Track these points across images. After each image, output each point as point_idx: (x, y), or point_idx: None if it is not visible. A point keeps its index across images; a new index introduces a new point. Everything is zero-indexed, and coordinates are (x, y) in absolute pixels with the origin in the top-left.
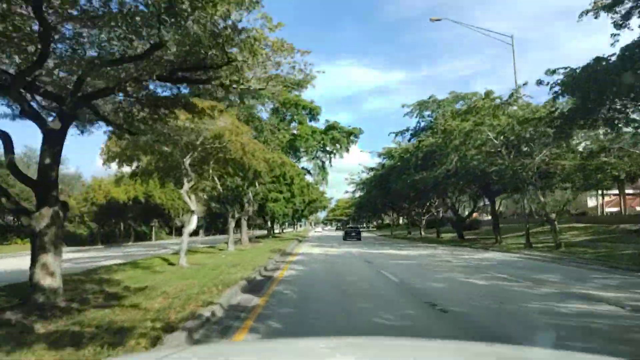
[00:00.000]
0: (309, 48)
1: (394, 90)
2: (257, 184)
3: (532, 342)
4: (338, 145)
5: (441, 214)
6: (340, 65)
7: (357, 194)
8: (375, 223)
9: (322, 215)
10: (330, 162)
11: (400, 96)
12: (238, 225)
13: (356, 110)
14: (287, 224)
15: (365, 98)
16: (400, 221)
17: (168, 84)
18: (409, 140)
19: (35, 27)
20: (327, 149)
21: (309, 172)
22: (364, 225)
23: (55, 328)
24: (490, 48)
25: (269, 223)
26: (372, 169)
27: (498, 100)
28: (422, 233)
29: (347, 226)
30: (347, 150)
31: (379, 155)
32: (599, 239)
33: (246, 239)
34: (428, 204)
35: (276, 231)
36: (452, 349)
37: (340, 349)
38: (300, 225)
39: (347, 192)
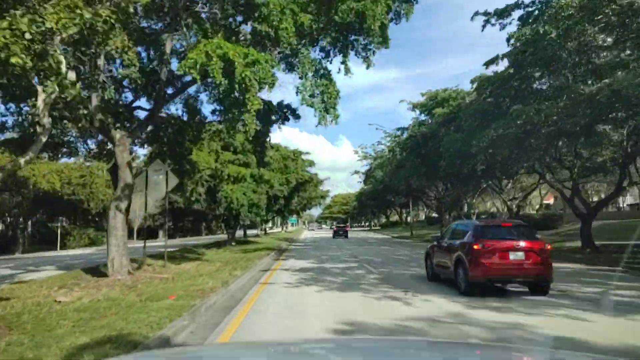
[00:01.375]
0: None
1: (388, 89)
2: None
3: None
4: (366, 22)
5: (514, 205)
6: (334, 64)
7: (363, 185)
8: (376, 221)
9: (316, 213)
10: (345, 67)
11: (394, 94)
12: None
13: (351, 108)
14: (272, 222)
15: (361, 96)
16: (404, 218)
17: None
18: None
19: None
20: (332, 34)
21: (292, 112)
22: (368, 224)
23: None
24: (484, 47)
25: (235, 221)
26: (402, 129)
27: None
28: None
29: (337, 225)
30: (385, 40)
31: (413, 108)
32: None
33: (121, 263)
34: (482, 186)
35: (257, 232)
36: (449, 349)
37: (334, 351)
38: (292, 225)
39: (356, 172)
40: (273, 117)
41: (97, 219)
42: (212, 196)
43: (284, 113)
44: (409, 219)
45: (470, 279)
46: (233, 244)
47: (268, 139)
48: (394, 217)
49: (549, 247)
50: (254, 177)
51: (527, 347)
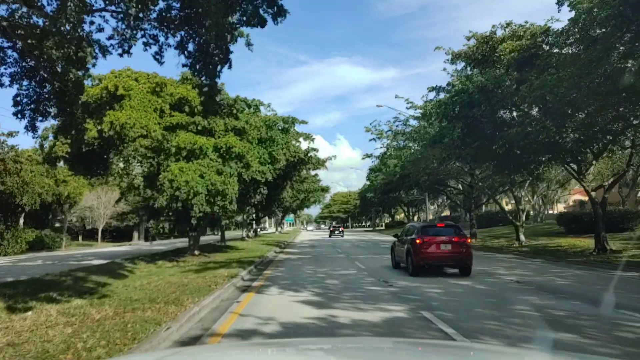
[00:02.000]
0: (300, 46)
1: (385, 89)
2: None
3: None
4: None
5: None
6: (331, 64)
7: (367, 180)
8: (378, 221)
9: (314, 212)
10: None
11: (391, 94)
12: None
13: (348, 108)
14: (258, 222)
15: (357, 96)
16: (412, 218)
17: None
18: None
19: None
20: None
21: (269, 2)
22: (370, 224)
23: None
24: None
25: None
26: (437, 89)
27: None
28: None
29: (333, 226)
30: None
31: (453, 60)
32: None
33: None
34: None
35: (243, 235)
36: (450, 351)
37: (334, 352)
38: (291, 224)
39: (367, 155)
40: (233, 18)
41: (49, 216)
42: (152, 180)
43: (254, 6)
44: (415, 218)
45: (414, 263)
46: (196, 252)
47: (226, 66)
48: (399, 216)
49: (469, 240)
50: (220, 150)
51: (527, 348)
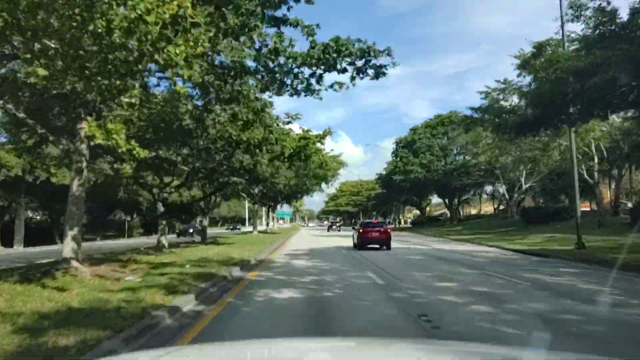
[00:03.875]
0: (302, 42)
1: (389, 86)
2: None
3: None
4: None
5: None
6: None
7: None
8: (395, 218)
9: (316, 208)
10: None
11: (395, 92)
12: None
13: (351, 105)
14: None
15: (361, 93)
16: (456, 212)
17: None
18: None
19: None
20: None
21: None
22: (389, 221)
23: None
24: (485, 45)
25: None
26: None
27: None
28: None
29: (331, 221)
30: None
31: None
32: None
33: None
34: None
35: (159, 239)
36: (445, 350)
37: (330, 352)
38: (289, 220)
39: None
40: None
41: None
42: None
43: None
44: (456, 212)
45: (358, 243)
46: None
47: None
48: (429, 209)
49: (389, 230)
50: None
51: (525, 348)
